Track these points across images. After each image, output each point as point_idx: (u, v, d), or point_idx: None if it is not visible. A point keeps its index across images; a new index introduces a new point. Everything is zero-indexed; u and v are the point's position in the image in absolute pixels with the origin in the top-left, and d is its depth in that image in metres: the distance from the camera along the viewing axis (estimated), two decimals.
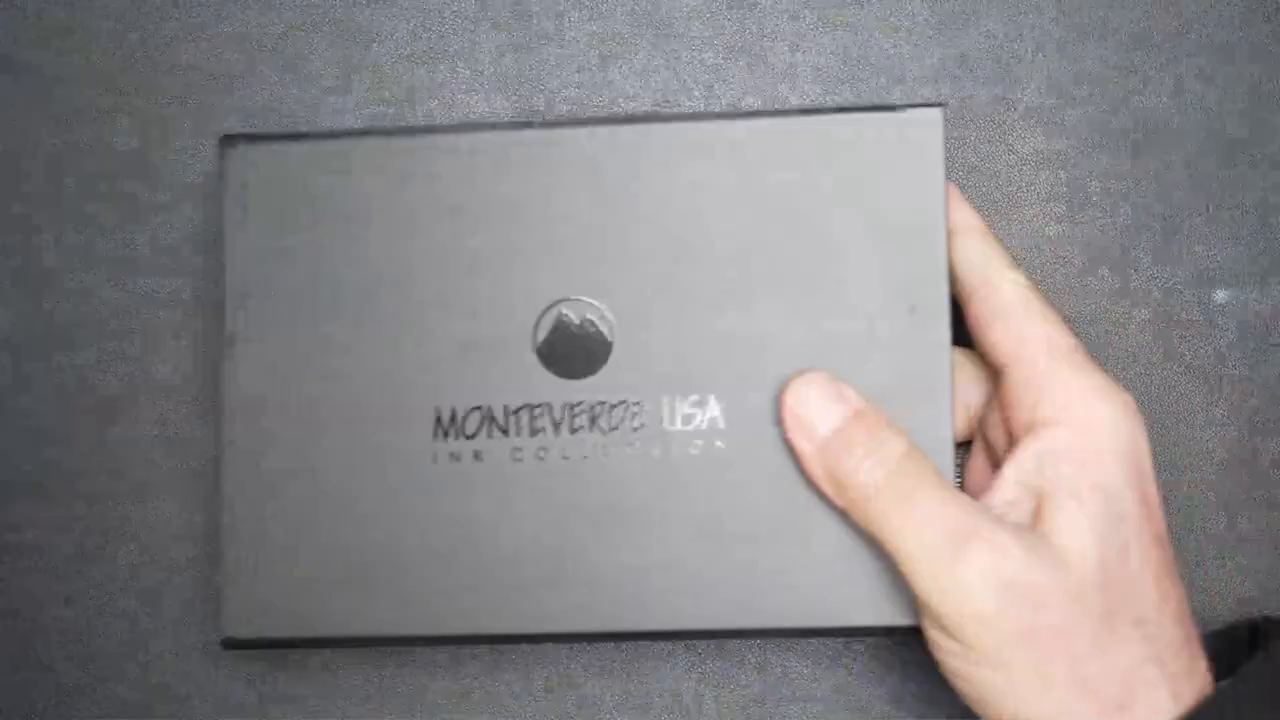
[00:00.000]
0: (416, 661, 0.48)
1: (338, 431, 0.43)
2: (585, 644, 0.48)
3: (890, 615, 0.42)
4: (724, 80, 0.48)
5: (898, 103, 0.43)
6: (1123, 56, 0.48)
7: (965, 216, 0.43)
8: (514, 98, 0.49)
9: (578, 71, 0.49)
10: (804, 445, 0.41)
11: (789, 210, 0.43)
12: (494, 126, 0.44)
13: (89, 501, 0.49)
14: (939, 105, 0.42)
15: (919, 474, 0.40)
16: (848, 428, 0.41)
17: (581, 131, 0.43)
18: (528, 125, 0.44)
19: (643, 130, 0.43)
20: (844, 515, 0.42)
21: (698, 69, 0.48)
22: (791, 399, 0.41)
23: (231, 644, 0.43)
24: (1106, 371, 0.40)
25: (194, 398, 0.49)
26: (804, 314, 0.42)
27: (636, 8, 0.49)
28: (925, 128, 0.42)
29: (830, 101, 0.48)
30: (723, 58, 0.48)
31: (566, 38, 0.49)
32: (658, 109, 0.48)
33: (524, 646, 0.48)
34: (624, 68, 0.49)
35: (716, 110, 0.43)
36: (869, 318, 0.42)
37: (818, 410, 0.41)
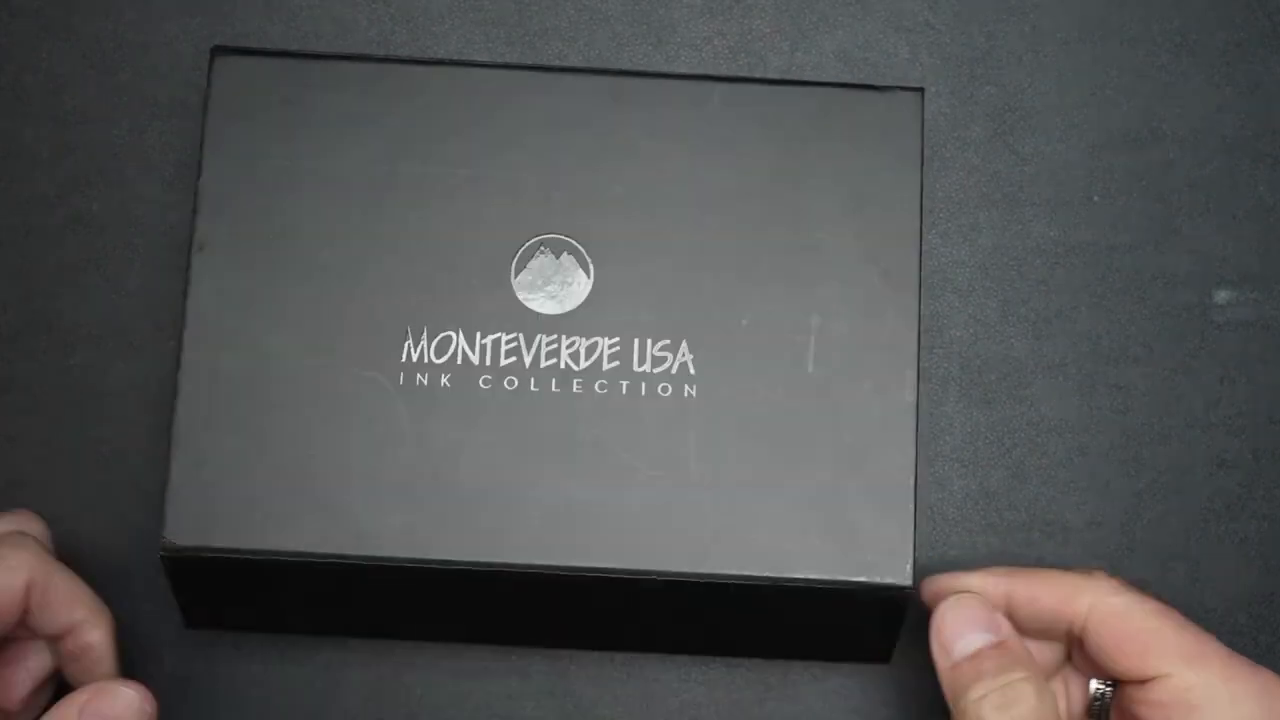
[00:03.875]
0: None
1: (302, 346, 0.43)
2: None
3: (844, 571, 0.42)
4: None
5: (882, 84, 0.45)
6: (1123, 57, 0.50)
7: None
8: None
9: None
10: (940, 661, 0.42)
11: (771, 172, 0.44)
12: (488, 65, 0.44)
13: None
14: (919, 90, 0.44)
15: None
16: (980, 656, 0.42)
17: (574, 77, 0.44)
18: (520, 67, 0.44)
19: (636, 84, 0.44)
20: (804, 478, 0.42)
21: (697, 68, 0.49)
22: (936, 616, 0.42)
23: (171, 551, 0.42)
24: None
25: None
26: (779, 270, 0.43)
27: (637, 8, 0.50)
28: (906, 108, 0.44)
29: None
30: (723, 58, 0.49)
31: (567, 38, 0.50)
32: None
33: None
34: (625, 66, 0.49)
35: (708, 73, 0.45)
36: (842, 280, 0.43)
37: (953, 633, 0.42)
